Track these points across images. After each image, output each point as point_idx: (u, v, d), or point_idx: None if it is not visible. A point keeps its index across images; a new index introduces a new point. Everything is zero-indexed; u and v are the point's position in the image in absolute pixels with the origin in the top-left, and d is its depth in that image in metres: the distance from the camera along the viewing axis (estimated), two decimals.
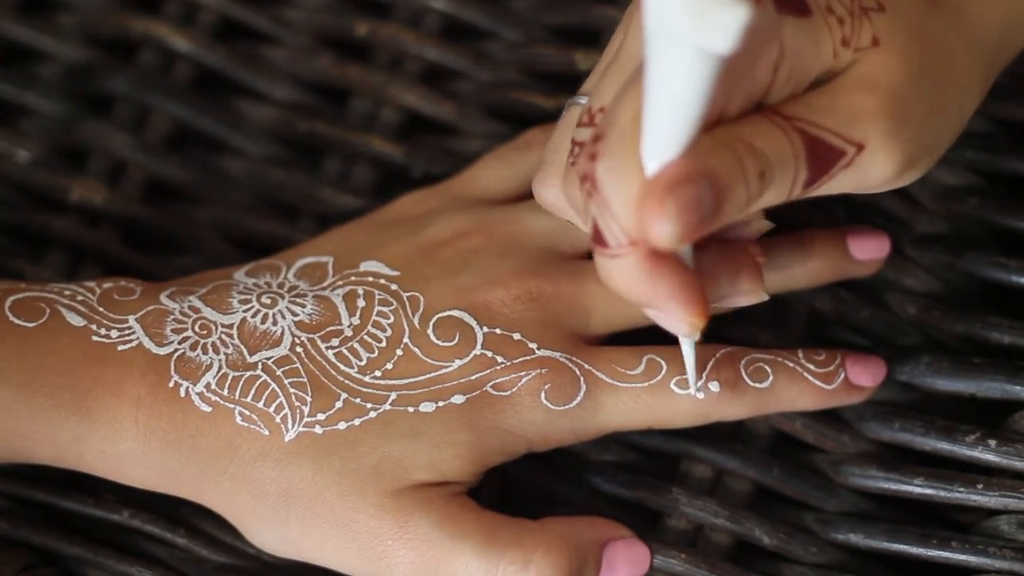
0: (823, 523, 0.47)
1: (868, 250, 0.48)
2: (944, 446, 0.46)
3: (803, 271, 0.47)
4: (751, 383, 0.45)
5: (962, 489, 0.45)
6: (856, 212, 0.51)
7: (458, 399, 0.43)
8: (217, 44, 0.55)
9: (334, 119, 0.54)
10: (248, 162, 0.54)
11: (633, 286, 0.36)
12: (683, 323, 0.37)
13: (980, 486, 0.45)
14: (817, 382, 0.45)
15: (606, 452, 0.48)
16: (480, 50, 0.55)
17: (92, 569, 0.46)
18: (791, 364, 0.45)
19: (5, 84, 0.55)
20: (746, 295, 0.42)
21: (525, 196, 0.49)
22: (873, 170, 0.39)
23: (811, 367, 0.45)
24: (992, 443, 0.45)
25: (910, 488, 0.46)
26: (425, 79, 0.55)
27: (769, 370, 0.45)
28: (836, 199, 0.51)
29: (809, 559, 0.46)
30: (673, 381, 0.44)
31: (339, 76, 0.55)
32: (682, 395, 0.44)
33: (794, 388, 0.45)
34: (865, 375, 0.46)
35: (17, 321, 0.43)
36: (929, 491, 0.46)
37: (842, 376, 0.46)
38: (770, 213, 0.50)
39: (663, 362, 0.45)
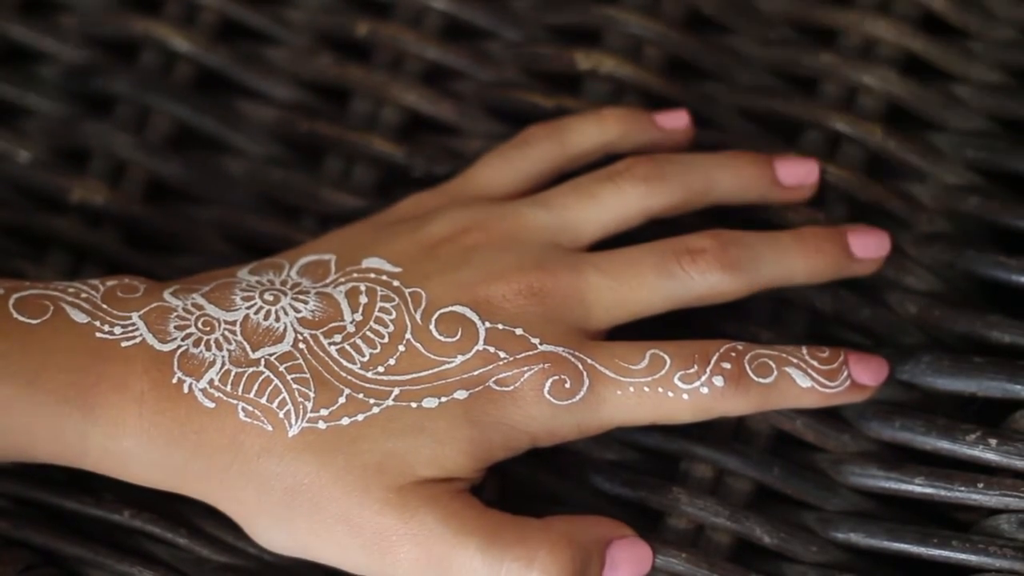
0: (824, 522, 0.47)
1: (869, 248, 0.48)
2: (945, 445, 0.46)
3: (803, 265, 0.47)
4: (755, 378, 0.45)
5: (962, 488, 0.45)
6: (857, 211, 0.51)
7: (461, 394, 0.43)
8: (217, 44, 0.55)
9: (335, 119, 0.54)
10: (249, 162, 0.54)
11: None
12: None
13: (981, 485, 0.45)
14: (821, 379, 0.45)
15: (606, 451, 0.48)
16: (480, 50, 0.55)
17: (93, 569, 0.46)
18: (795, 360, 0.45)
19: (6, 84, 0.55)
20: None
21: (525, 193, 0.49)
22: None
23: (815, 364, 0.45)
24: (992, 442, 0.45)
25: (911, 487, 0.46)
26: (425, 79, 0.55)
27: (773, 366, 0.45)
28: (837, 198, 0.51)
29: (810, 558, 0.46)
30: (677, 376, 0.44)
31: (339, 76, 0.55)
32: (685, 390, 0.44)
33: (798, 385, 0.45)
34: (868, 374, 0.46)
35: (21, 318, 0.43)
36: (930, 490, 0.46)
37: (845, 374, 0.45)
38: (771, 211, 0.50)
39: (667, 357, 0.44)
